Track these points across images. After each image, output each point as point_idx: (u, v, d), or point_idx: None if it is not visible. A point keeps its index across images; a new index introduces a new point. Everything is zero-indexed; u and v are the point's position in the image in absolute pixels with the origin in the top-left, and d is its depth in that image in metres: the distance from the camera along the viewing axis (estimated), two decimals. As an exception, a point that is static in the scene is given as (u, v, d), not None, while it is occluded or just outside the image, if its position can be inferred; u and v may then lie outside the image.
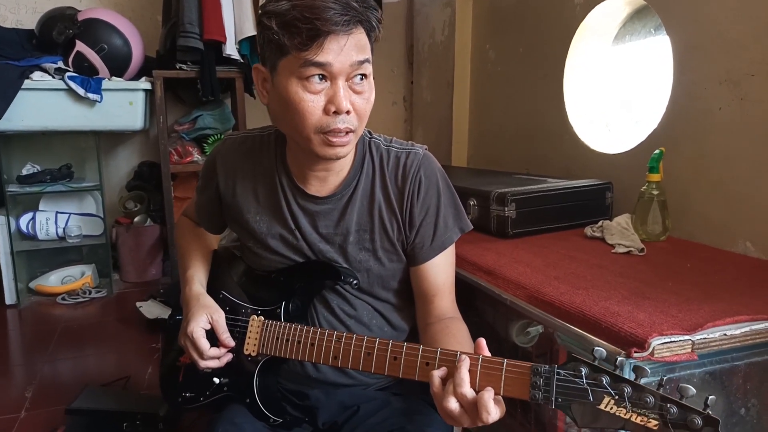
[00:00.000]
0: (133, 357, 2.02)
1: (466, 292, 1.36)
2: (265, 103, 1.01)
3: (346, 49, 0.89)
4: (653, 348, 0.89)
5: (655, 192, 1.54)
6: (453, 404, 0.76)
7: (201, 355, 1.05)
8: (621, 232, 1.56)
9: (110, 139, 3.01)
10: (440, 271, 1.07)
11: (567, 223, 1.73)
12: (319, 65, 0.89)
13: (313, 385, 1.11)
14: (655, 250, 1.46)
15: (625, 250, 1.45)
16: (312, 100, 0.91)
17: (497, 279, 1.31)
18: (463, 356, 0.79)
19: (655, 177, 1.54)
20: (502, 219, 1.63)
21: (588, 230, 1.64)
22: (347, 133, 0.94)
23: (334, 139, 0.93)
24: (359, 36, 0.91)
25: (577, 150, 2.14)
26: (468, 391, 0.76)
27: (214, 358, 1.06)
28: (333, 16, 0.87)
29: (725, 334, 0.95)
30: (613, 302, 1.06)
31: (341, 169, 1.06)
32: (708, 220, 1.60)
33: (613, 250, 1.47)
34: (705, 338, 0.93)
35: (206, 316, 1.07)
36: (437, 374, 0.80)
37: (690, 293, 1.11)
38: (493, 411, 0.75)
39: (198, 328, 1.05)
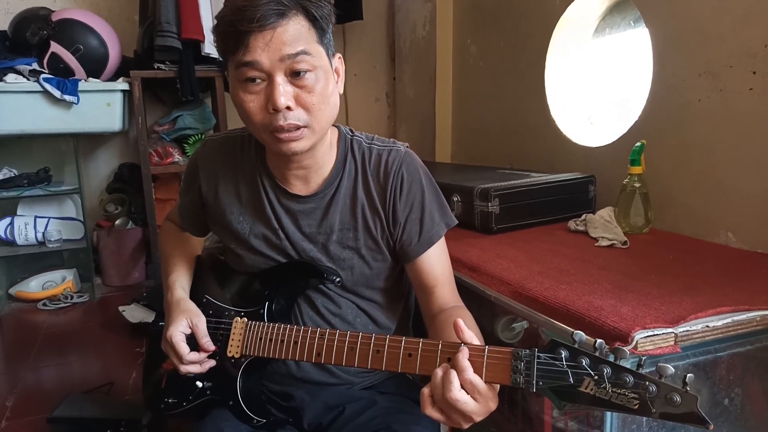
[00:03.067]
0: (117, 362, 1.99)
1: (451, 289, 1.35)
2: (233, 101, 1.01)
3: (273, 44, 0.89)
4: (636, 342, 0.89)
5: (637, 184, 1.55)
6: (457, 394, 0.75)
7: (181, 360, 1.04)
8: (604, 225, 1.56)
9: (89, 142, 2.96)
10: (434, 263, 1.07)
11: (551, 217, 1.73)
12: (249, 65, 0.89)
13: (297, 386, 1.10)
14: (637, 243, 1.47)
15: (608, 243, 1.46)
16: (253, 101, 0.92)
17: (481, 275, 1.31)
18: (464, 348, 0.78)
19: (637, 169, 1.54)
20: (485, 214, 1.63)
21: (571, 224, 1.64)
22: (298, 128, 0.93)
23: (282, 136, 0.93)
24: (292, 27, 0.89)
25: (559, 144, 2.15)
26: (473, 376, 0.75)
27: (195, 363, 1.05)
28: (253, 13, 0.87)
29: (707, 326, 0.95)
30: (596, 296, 1.06)
31: (321, 167, 1.06)
32: (690, 212, 1.61)
33: (596, 244, 1.47)
34: (688, 330, 0.93)
35: (186, 320, 1.06)
36: (439, 371, 0.79)
37: (672, 286, 1.11)
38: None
39: (177, 333, 1.04)
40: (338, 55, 1.00)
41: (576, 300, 1.05)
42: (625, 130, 1.82)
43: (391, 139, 1.10)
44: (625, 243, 1.45)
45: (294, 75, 0.91)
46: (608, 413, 1.02)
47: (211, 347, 1.06)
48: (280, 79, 0.90)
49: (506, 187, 1.65)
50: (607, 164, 1.88)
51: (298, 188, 1.07)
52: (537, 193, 1.71)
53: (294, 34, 0.90)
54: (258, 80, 0.90)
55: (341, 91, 1.00)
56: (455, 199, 1.74)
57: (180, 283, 1.16)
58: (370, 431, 1.01)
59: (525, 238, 1.56)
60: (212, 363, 1.06)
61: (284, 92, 0.90)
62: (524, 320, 1.18)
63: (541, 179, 1.75)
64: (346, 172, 1.07)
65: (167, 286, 1.15)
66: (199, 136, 2.79)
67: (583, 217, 1.64)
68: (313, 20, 0.92)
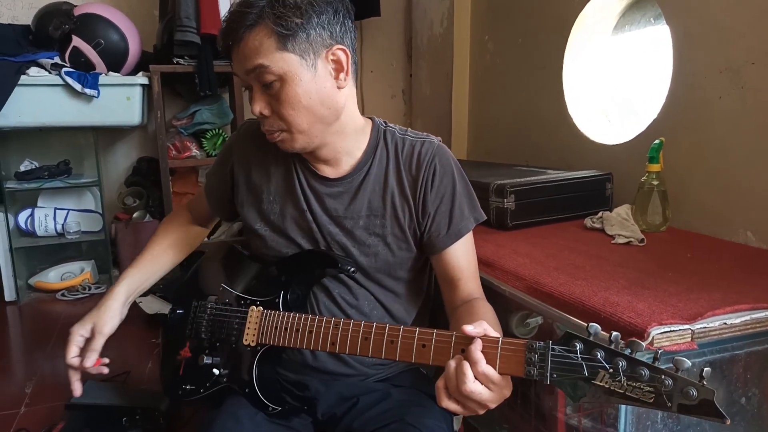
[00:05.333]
0: (133, 352, 2.02)
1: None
2: None
3: (239, 59, 0.95)
4: (653, 338, 0.89)
5: (655, 182, 1.54)
6: (472, 386, 0.75)
7: (65, 359, 1.09)
8: (621, 222, 1.55)
9: (108, 135, 3.00)
10: (460, 256, 1.08)
11: (567, 215, 1.72)
12: (236, 74, 0.97)
13: (312, 375, 1.11)
14: (655, 241, 1.46)
15: (625, 240, 1.45)
16: (248, 99, 0.99)
17: (496, 270, 1.31)
18: (477, 339, 0.78)
19: (655, 167, 1.53)
20: (501, 211, 1.63)
21: (588, 221, 1.63)
22: (279, 131, 0.98)
23: (269, 137, 1.00)
24: (251, 41, 0.92)
25: (576, 141, 2.14)
26: (486, 368, 0.75)
27: (73, 366, 1.08)
28: (228, 27, 0.93)
29: (725, 323, 0.94)
30: (612, 292, 1.05)
31: (350, 152, 1.08)
32: (708, 210, 1.59)
33: (612, 241, 1.46)
34: (705, 327, 0.93)
35: (91, 326, 1.09)
36: (452, 363, 0.79)
37: (690, 283, 1.10)
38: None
39: (77, 334, 1.09)
40: (339, 46, 0.97)
41: (591, 296, 1.05)
42: (643, 128, 1.81)
43: (425, 133, 1.12)
44: (642, 241, 1.44)
45: (264, 86, 0.94)
46: (622, 411, 1.01)
47: (88, 365, 1.08)
48: (257, 88, 0.95)
49: (522, 184, 1.64)
50: (624, 162, 1.87)
51: (328, 171, 1.09)
52: (553, 189, 1.70)
53: (252, 48, 0.92)
54: (247, 88, 0.98)
55: (344, 85, 1.00)
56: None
57: (131, 280, 1.18)
58: (384, 423, 1.02)
59: (541, 235, 1.55)
60: (91, 365, 1.09)
61: (258, 100, 0.95)
62: (539, 316, 1.18)
63: (558, 176, 1.74)
64: (376, 158, 1.08)
65: (121, 276, 1.19)
66: (217, 130, 2.81)
67: (600, 214, 1.63)
68: (277, 26, 0.92)
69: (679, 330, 0.91)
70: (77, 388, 1.10)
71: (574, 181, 1.75)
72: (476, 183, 1.73)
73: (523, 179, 1.68)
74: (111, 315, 1.12)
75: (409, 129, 1.14)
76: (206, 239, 1.39)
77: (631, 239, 1.45)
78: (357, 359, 1.11)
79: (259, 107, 0.95)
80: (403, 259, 1.10)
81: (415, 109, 3.55)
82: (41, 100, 2.42)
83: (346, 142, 1.06)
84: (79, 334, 1.08)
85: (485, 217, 1.13)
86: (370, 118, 1.12)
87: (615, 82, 2.16)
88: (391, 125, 1.13)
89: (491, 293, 1.33)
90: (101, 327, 1.10)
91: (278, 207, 1.12)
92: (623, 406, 1.01)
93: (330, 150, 1.05)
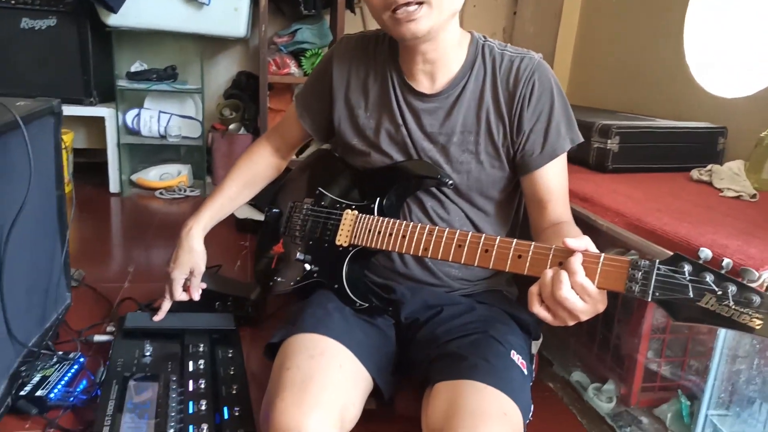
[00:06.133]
0: (223, 251, 2.14)
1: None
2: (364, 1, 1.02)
3: None
4: (764, 280, 0.85)
5: (777, 138, 1.44)
6: (567, 293, 0.75)
7: (171, 297, 1.29)
8: (731, 177, 1.47)
9: (212, 46, 3.09)
10: (552, 177, 1.06)
11: (671, 165, 1.65)
12: None
13: (399, 281, 1.15)
14: (767, 199, 1.38)
15: (735, 194, 1.38)
16: None
17: (594, 206, 1.28)
18: (578, 253, 0.78)
19: (780, 122, 1.43)
20: (602, 152, 1.58)
21: (695, 173, 1.56)
22: (418, 4, 0.92)
23: (400, 15, 0.93)
24: None
25: (690, 92, 2.01)
26: (584, 279, 0.75)
27: (182, 300, 1.30)
28: None
29: None
30: (720, 236, 1.02)
31: (448, 65, 1.06)
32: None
33: (720, 194, 1.40)
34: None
35: (189, 268, 1.26)
36: (549, 271, 0.79)
37: (807, 237, 1.04)
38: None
39: (179, 278, 1.27)
40: None
41: (698, 237, 1.01)
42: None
43: (526, 49, 1.08)
44: (754, 196, 1.36)
45: None
46: (716, 359, 0.99)
47: (196, 297, 1.31)
48: None
49: (629, 126, 1.58)
50: (741, 117, 1.75)
51: (425, 86, 1.08)
52: (661, 136, 1.63)
53: None
54: None
55: None
56: (572, 133, 1.68)
57: (208, 218, 1.28)
58: (466, 333, 1.04)
59: (642, 180, 1.50)
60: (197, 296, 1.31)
61: None
62: (635, 253, 1.15)
63: (668, 124, 1.66)
64: (473, 74, 1.06)
65: (202, 206, 1.29)
66: (316, 50, 2.83)
67: (709, 167, 1.55)
68: None
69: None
70: (162, 314, 1.35)
71: (684, 130, 1.67)
72: (578, 122, 1.67)
73: (630, 122, 1.62)
74: (201, 255, 1.27)
75: (509, 44, 1.10)
76: (295, 157, 1.43)
77: (742, 194, 1.37)
78: (444, 271, 1.13)
79: None
80: (495, 177, 1.09)
81: (514, 50, 3.42)
82: (156, 3, 2.52)
83: (447, 47, 1.04)
84: (182, 277, 1.27)
85: (582, 139, 1.09)
86: (469, 32, 1.09)
87: (748, 29, 1.98)
88: (490, 40, 1.10)
89: (585, 227, 1.31)
90: (199, 267, 1.28)
91: (374, 122, 1.13)
92: (717, 357, 0.99)
93: (435, 53, 1.03)
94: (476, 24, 3.46)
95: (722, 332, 0.93)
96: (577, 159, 1.67)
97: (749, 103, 1.75)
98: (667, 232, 1.05)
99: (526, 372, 1.01)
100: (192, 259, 1.26)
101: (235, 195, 1.31)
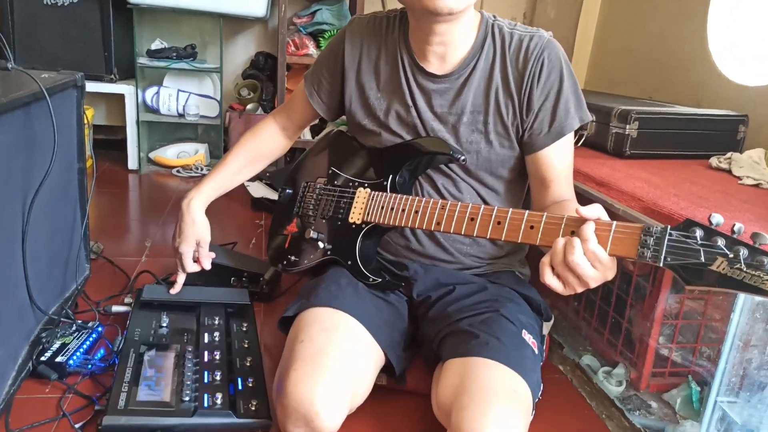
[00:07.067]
0: (238, 229, 2.16)
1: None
2: None
3: None
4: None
5: (800, 126, 1.42)
6: (579, 258, 0.76)
7: (183, 270, 1.32)
8: (751, 165, 1.46)
9: (231, 26, 3.09)
10: (557, 157, 1.06)
11: (690, 152, 1.64)
12: None
13: (412, 258, 1.16)
14: (787, 187, 1.36)
15: (754, 182, 1.37)
16: None
17: (611, 190, 1.28)
18: (589, 222, 0.79)
19: (804, 110, 1.41)
20: (621, 137, 1.57)
21: (713, 161, 1.54)
22: None
23: None
24: None
25: (711, 79, 1.98)
26: (596, 247, 0.76)
27: (193, 272, 1.33)
28: None
29: None
30: (738, 221, 1.01)
31: (459, 46, 1.06)
32: None
33: (739, 182, 1.38)
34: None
35: (194, 240, 1.28)
36: (560, 240, 0.80)
37: (826, 225, 1.03)
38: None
39: (190, 250, 1.29)
40: None
41: (725, 225, 1.00)
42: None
43: (536, 27, 1.08)
44: (773, 185, 1.35)
45: None
46: (728, 343, 0.99)
47: (208, 267, 1.33)
48: None
49: (648, 112, 1.57)
50: (763, 105, 1.72)
51: (435, 67, 1.08)
52: (680, 123, 1.61)
53: None
54: None
55: None
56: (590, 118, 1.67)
57: (210, 191, 1.28)
58: (478, 312, 1.05)
59: (659, 166, 1.49)
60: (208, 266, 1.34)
61: None
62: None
63: (688, 110, 1.65)
64: (483, 54, 1.06)
65: (204, 179, 1.29)
66: (335, 31, 2.82)
67: (729, 155, 1.54)
68: None
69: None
70: (179, 287, 1.38)
71: (704, 117, 1.65)
72: (597, 107, 1.67)
73: (649, 108, 1.60)
74: (204, 225, 1.29)
75: (519, 23, 1.10)
76: (311, 138, 1.42)
77: (761, 182, 1.36)
78: (456, 248, 1.14)
79: None
80: (504, 157, 1.09)
81: (534, 35, 3.39)
82: (177, -19, 2.52)
83: (464, 28, 1.04)
84: (190, 250, 1.29)
85: (591, 118, 1.09)
86: (479, 12, 1.09)
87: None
88: (500, 19, 1.09)
89: (600, 212, 1.31)
90: (205, 238, 1.30)
91: (385, 103, 1.14)
92: (729, 343, 0.99)
93: (450, 35, 1.03)
94: (497, 7, 3.43)
95: (735, 318, 0.93)
96: (595, 144, 1.67)
97: (773, 91, 1.72)
98: (684, 216, 1.05)
99: (536, 352, 1.02)
100: (196, 230, 1.27)
101: (237, 170, 1.32)
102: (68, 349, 1.21)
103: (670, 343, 1.23)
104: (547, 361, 1.39)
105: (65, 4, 2.56)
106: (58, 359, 1.17)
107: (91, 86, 2.58)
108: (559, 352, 1.42)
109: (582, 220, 0.79)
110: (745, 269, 0.66)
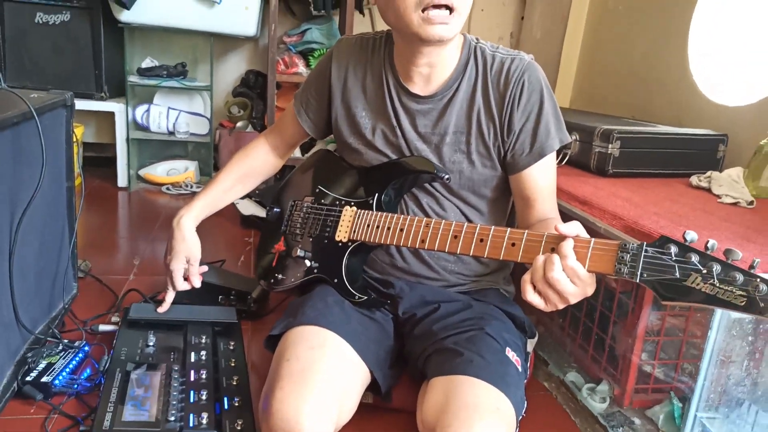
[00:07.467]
0: (227, 246, 2.17)
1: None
2: (373, 3, 1.05)
3: None
4: (756, 266, 0.87)
5: (777, 146, 1.45)
6: (558, 274, 0.78)
7: (174, 287, 1.31)
8: (730, 183, 1.49)
9: (222, 44, 3.12)
10: (540, 176, 1.08)
11: (671, 171, 1.67)
12: None
13: (398, 275, 1.17)
14: (765, 205, 1.40)
15: (733, 201, 1.40)
16: None
17: (593, 209, 1.30)
18: (567, 239, 0.81)
19: (780, 130, 1.44)
20: (603, 156, 1.60)
21: (694, 179, 1.57)
22: (449, 11, 0.95)
23: (434, 16, 0.95)
24: None
25: (692, 99, 2.03)
26: (575, 263, 0.78)
27: (183, 289, 1.33)
28: None
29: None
30: (716, 239, 1.03)
31: (444, 68, 1.09)
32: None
33: (719, 200, 1.41)
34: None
35: (184, 258, 1.29)
36: (540, 257, 0.82)
37: (801, 244, 1.06)
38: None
39: (180, 267, 1.29)
40: None
41: (699, 241, 1.02)
42: (772, 90, 1.69)
43: (517, 50, 1.11)
44: (751, 203, 1.38)
45: None
46: (706, 360, 1.01)
47: (197, 285, 1.34)
48: None
49: (630, 132, 1.60)
50: (742, 125, 1.76)
51: (419, 88, 1.11)
52: (661, 142, 1.64)
53: None
54: None
55: None
56: (573, 137, 1.71)
57: (200, 209, 1.30)
58: (462, 330, 1.06)
59: (641, 185, 1.52)
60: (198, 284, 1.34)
61: None
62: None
63: (669, 130, 1.68)
64: (466, 76, 1.09)
65: (195, 197, 1.31)
66: (324, 50, 2.86)
67: (708, 173, 1.57)
68: None
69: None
70: (167, 305, 1.38)
71: (685, 137, 1.68)
72: (580, 126, 1.70)
73: (631, 127, 1.64)
74: (195, 242, 1.30)
75: (501, 46, 1.12)
76: (301, 156, 1.44)
77: (740, 200, 1.39)
78: (441, 266, 1.15)
79: None
80: (486, 176, 1.12)
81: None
82: (169, 1, 2.55)
83: (449, 51, 1.07)
84: (181, 268, 1.30)
85: (570, 139, 1.12)
86: (462, 34, 1.11)
87: (757, 37, 1.98)
88: (482, 42, 1.12)
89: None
90: (195, 255, 1.30)
91: (370, 122, 1.16)
92: (707, 359, 1.01)
93: (438, 57, 1.06)
94: (484, 28, 3.48)
95: (712, 335, 0.95)
96: (579, 162, 1.70)
97: (751, 111, 1.76)
98: (663, 234, 1.07)
99: (520, 369, 1.03)
100: (186, 247, 1.28)
101: (228, 188, 1.33)
102: (54, 368, 1.21)
103: (653, 360, 1.25)
104: (533, 378, 1.40)
105: (56, 23, 2.58)
106: (44, 379, 1.17)
107: (82, 104, 2.59)
108: (544, 368, 1.43)
109: (561, 237, 0.82)
110: (718, 284, 0.68)
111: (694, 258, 0.70)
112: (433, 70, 1.09)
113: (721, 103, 1.92)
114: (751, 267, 0.68)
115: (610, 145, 1.57)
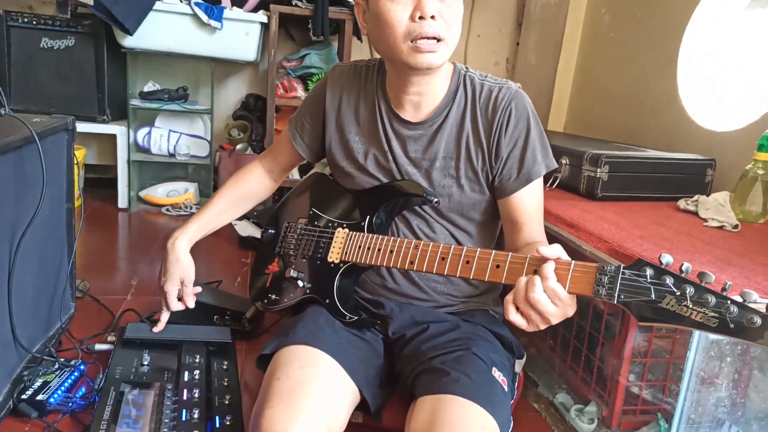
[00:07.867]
0: (224, 267, 2.20)
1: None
2: (365, 33, 1.09)
3: None
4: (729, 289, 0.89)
5: (761, 171, 1.49)
6: (539, 295, 0.81)
7: (168, 308, 1.33)
8: (716, 207, 1.52)
9: (223, 69, 3.18)
10: (527, 200, 1.11)
11: (660, 195, 1.70)
12: None
13: (388, 296, 1.20)
14: (750, 230, 1.42)
15: (718, 224, 1.42)
16: (398, 9, 0.99)
17: (579, 231, 1.33)
18: (549, 261, 0.83)
19: (763, 156, 1.48)
20: (592, 180, 1.63)
21: (681, 203, 1.60)
22: (437, 41, 0.99)
23: (423, 45, 0.99)
24: None
25: (681, 124, 2.07)
26: (556, 285, 0.81)
27: (177, 310, 1.34)
28: None
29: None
30: (697, 263, 1.06)
31: (434, 96, 1.12)
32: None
33: (705, 224, 1.44)
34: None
35: (179, 279, 1.30)
36: (522, 278, 0.85)
37: (780, 267, 1.08)
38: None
39: (174, 289, 1.30)
40: None
41: (675, 264, 1.05)
42: (758, 116, 1.73)
43: (505, 79, 1.15)
44: (736, 227, 1.41)
45: None
46: (686, 380, 1.03)
47: (191, 305, 1.34)
48: None
49: (618, 156, 1.64)
50: (730, 150, 1.80)
51: (410, 114, 1.15)
52: (650, 167, 1.68)
53: None
54: None
55: None
56: (564, 161, 1.74)
57: (195, 232, 1.32)
58: (450, 350, 1.08)
59: (629, 208, 1.55)
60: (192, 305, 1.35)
61: (429, 2, 0.97)
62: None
63: (657, 154, 1.72)
64: (455, 103, 1.13)
65: (189, 220, 1.33)
66: (322, 75, 2.91)
67: (696, 197, 1.60)
68: None
69: (763, 303, 0.91)
70: (162, 325, 1.40)
71: (673, 161, 1.72)
72: (570, 150, 1.74)
73: (619, 152, 1.67)
74: (189, 264, 1.31)
75: (490, 75, 1.16)
76: (299, 178, 1.48)
77: (725, 224, 1.42)
78: (431, 286, 1.18)
79: (431, 8, 0.97)
80: (475, 200, 1.15)
81: (516, 79, 3.50)
82: (171, 27, 2.61)
83: (438, 79, 1.11)
84: (175, 289, 1.31)
85: (556, 165, 1.15)
86: (452, 63, 1.15)
87: (742, 63, 2.04)
88: (471, 71, 1.16)
89: (569, 251, 1.35)
90: (190, 276, 1.31)
91: (363, 147, 1.20)
92: (687, 379, 1.03)
93: (428, 86, 1.10)
94: (481, 54, 3.56)
95: (691, 356, 0.97)
96: (569, 186, 1.73)
97: (739, 136, 1.80)
98: (644, 258, 1.09)
99: (506, 389, 1.05)
100: (180, 269, 1.30)
101: (222, 211, 1.36)
102: (50, 386, 1.23)
103: (640, 381, 1.27)
104: (523, 398, 1.41)
105: (61, 48, 2.64)
106: (39, 397, 1.19)
107: (84, 127, 2.64)
108: (534, 389, 1.45)
109: (543, 260, 0.84)
110: (691, 306, 0.71)
111: (669, 280, 0.73)
112: (423, 97, 1.13)
113: (709, 128, 1.96)
114: (723, 289, 0.70)
115: (598, 170, 1.60)
